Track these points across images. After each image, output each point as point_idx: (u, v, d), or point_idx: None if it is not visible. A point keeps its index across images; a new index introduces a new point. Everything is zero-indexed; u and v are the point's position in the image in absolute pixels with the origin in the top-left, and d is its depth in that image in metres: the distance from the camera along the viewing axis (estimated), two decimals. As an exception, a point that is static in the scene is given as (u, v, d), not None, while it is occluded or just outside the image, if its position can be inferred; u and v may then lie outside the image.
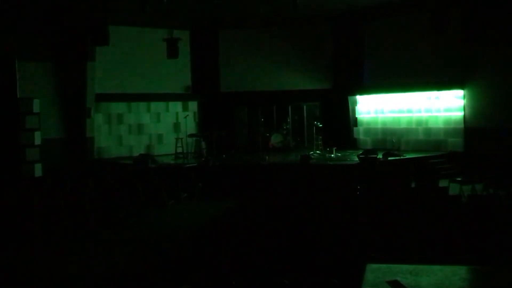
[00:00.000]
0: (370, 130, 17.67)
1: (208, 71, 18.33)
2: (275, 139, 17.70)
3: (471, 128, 15.19)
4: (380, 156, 14.23)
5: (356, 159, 14.01)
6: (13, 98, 14.09)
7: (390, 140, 16.06)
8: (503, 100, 14.46)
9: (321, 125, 16.41)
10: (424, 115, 16.34)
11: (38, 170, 13.95)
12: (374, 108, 17.63)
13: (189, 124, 17.26)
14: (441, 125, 15.88)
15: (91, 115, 15.93)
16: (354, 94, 17.93)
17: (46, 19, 14.69)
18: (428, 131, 16.21)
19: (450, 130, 15.69)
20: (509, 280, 4.32)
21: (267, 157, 14.92)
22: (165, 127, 17.80)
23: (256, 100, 18.25)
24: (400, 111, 16.90)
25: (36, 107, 14.10)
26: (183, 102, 18.07)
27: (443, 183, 10.90)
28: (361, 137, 17.83)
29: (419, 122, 16.44)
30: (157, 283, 6.54)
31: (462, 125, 15.36)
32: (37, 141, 14.02)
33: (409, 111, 16.67)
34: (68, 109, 15.42)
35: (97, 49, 15.51)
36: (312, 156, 14.91)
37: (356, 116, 18.06)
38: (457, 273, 4.41)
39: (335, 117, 17.80)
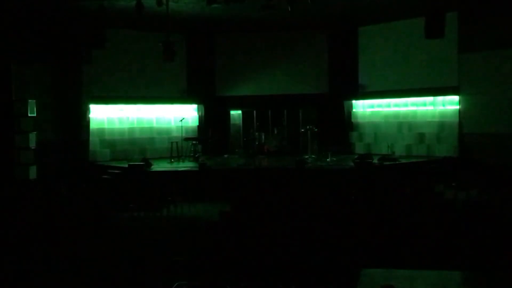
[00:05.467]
0: (366, 135, 17.69)
1: (204, 74, 18.34)
2: (271, 143, 17.70)
3: (466, 134, 15.24)
4: (375, 160, 14.25)
5: (352, 163, 14.03)
6: (8, 100, 14.04)
7: (386, 145, 16.08)
8: (498, 105, 14.51)
9: (316, 130, 16.43)
10: (419, 120, 16.36)
11: (32, 173, 13.89)
12: (370, 113, 17.65)
13: (185, 128, 17.24)
14: (436, 130, 15.91)
15: (87, 118, 15.91)
16: (350, 99, 17.97)
17: (42, 22, 14.67)
18: (423, 136, 16.24)
19: (445, 135, 15.72)
20: (503, 285, 4.32)
21: (262, 161, 14.91)
22: (160, 130, 17.77)
23: (252, 104, 18.25)
24: (396, 116, 16.92)
25: (31, 110, 14.04)
26: (179, 106, 18.04)
27: (438, 188, 10.93)
28: (357, 141, 17.85)
29: (414, 127, 16.46)
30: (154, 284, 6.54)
31: (457, 130, 15.40)
32: (32, 143, 13.97)
33: (405, 116, 16.70)
34: (63, 111, 15.39)
35: (93, 52, 15.49)
36: (308, 161, 14.91)
37: (352, 120, 18.08)
38: (452, 278, 4.42)
39: (331, 122, 17.81)
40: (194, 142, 16.68)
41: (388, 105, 17.14)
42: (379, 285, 4.16)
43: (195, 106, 18.42)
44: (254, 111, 18.30)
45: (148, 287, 6.77)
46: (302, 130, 17.12)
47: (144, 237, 9.72)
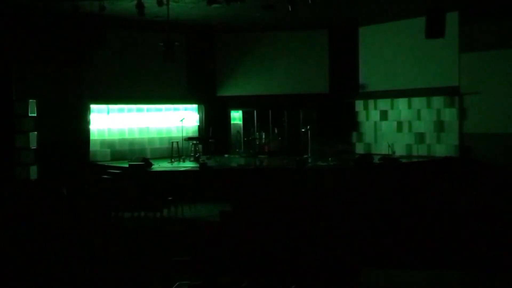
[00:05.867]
0: (366, 135, 17.68)
1: (204, 74, 18.35)
2: (271, 143, 17.70)
3: (467, 134, 15.23)
4: (375, 160, 14.25)
5: (352, 163, 14.03)
6: (8, 100, 14.05)
7: (386, 145, 16.08)
8: (499, 105, 14.50)
9: (317, 129, 16.43)
10: (419, 119, 16.34)
11: (33, 173, 13.90)
12: (370, 113, 17.63)
13: (185, 128, 17.25)
14: (436, 130, 15.89)
15: (87, 118, 15.91)
16: (351, 99, 17.96)
17: (43, 22, 14.67)
18: (423, 136, 16.23)
19: (445, 135, 15.71)
20: (503, 285, 4.32)
21: (263, 161, 14.91)
22: (160, 130, 17.77)
23: (252, 104, 18.25)
24: (396, 116, 16.91)
25: (31, 110, 14.06)
26: (179, 106, 18.05)
27: (438, 188, 10.93)
28: (357, 141, 17.84)
29: (414, 127, 16.44)
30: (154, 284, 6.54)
31: (457, 130, 15.39)
32: (33, 143, 13.98)
33: (405, 115, 16.69)
34: (64, 111, 15.39)
35: (93, 52, 15.49)
36: (308, 160, 14.91)
37: (353, 120, 18.06)
38: (452, 278, 4.42)
39: (332, 122, 17.81)
40: (194, 142, 16.68)
41: (389, 105, 17.12)
42: (379, 285, 4.16)
43: (195, 106, 18.42)
44: (255, 111, 18.29)
45: (148, 286, 6.78)
46: (303, 130, 17.13)
47: (144, 237, 9.72)
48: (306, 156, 15.67)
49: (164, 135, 17.72)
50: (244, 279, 5.58)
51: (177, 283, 5.47)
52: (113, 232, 10.05)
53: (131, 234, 9.98)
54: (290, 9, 12.25)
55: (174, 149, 16.17)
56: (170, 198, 11.48)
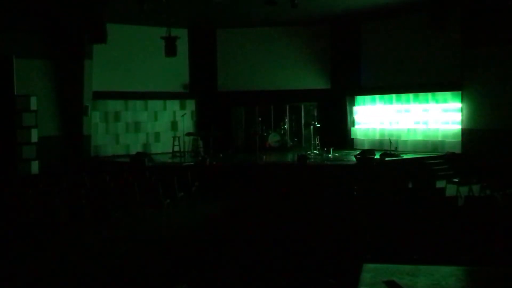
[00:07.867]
0: (368, 131, 17.67)
1: (205, 70, 18.32)
2: (272, 138, 17.69)
3: (469, 129, 15.20)
4: (377, 156, 14.23)
5: (353, 159, 14.01)
6: (10, 96, 14.06)
7: (387, 140, 16.06)
8: (501, 101, 14.46)
9: (318, 125, 16.43)
10: (421, 116, 16.33)
11: (34, 168, 13.92)
12: (372, 109, 17.62)
13: (186, 123, 17.24)
14: (438, 126, 15.87)
15: (88, 113, 15.90)
16: (352, 94, 17.94)
17: (44, 17, 14.66)
18: (425, 132, 16.21)
19: (447, 131, 15.69)
20: (505, 281, 4.31)
21: (264, 156, 14.90)
22: (162, 125, 17.77)
23: (254, 99, 18.22)
24: (398, 112, 16.90)
25: (33, 105, 14.07)
26: (181, 101, 18.04)
27: (440, 184, 10.91)
28: (359, 137, 17.83)
29: (416, 123, 16.42)
30: (154, 283, 6.53)
31: (459, 126, 15.36)
32: (34, 138, 14.00)
33: (407, 111, 16.68)
34: (65, 106, 15.40)
35: (94, 47, 15.49)
36: (310, 156, 14.90)
37: (354, 116, 18.07)
38: (454, 274, 4.40)
39: (333, 117, 17.80)
40: (196, 137, 16.68)
41: (391, 101, 17.11)
42: (381, 280, 4.15)
43: (197, 101, 18.39)
44: (256, 107, 18.26)
45: (148, 285, 6.76)
46: (304, 125, 17.09)
47: (145, 234, 9.71)
48: (307, 151, 15.65)
49: (165, 131, 17.70)
50: (243, 278, 5.58)
51: (179, 282, 5.47)
52: (113, 229, 10.05)
53: (131, 231, 9.97)
54: (291, 5, 12.23)
55: (175, 145, 16.17)
56: (171, 194, 11.45)
